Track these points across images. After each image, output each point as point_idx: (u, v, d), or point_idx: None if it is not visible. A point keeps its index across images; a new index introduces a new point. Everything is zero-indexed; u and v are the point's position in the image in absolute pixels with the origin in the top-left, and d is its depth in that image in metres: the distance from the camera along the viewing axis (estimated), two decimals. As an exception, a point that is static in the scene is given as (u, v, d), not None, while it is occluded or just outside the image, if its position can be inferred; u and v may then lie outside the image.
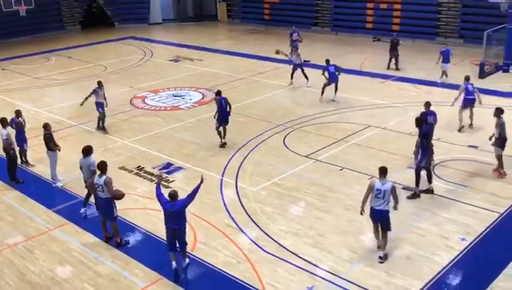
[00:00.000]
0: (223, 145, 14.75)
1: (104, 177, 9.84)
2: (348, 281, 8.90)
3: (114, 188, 9.95)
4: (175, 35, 34.84)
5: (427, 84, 20.21)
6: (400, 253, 9.62)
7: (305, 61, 24.85)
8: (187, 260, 9.45)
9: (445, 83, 19.60)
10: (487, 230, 10.25)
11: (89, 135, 16.21)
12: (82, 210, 11.32)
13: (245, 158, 14.05)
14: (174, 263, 9.13)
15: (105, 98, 16.27)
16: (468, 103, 15.28)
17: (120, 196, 10.03)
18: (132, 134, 16.21)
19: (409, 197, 11.51)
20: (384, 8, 29.99)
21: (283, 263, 9.43)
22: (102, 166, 9.95)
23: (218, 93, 14.85)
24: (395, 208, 9.32)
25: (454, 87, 18.72)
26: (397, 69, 22.39)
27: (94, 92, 16.05)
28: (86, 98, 16.13)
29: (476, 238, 9.99)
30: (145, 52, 28.86)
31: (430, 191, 11.65)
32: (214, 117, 14.76)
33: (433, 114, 13.07)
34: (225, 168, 13.51)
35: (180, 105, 19.14)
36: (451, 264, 9.24)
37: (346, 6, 31.81)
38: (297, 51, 24.86)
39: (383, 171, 9.13)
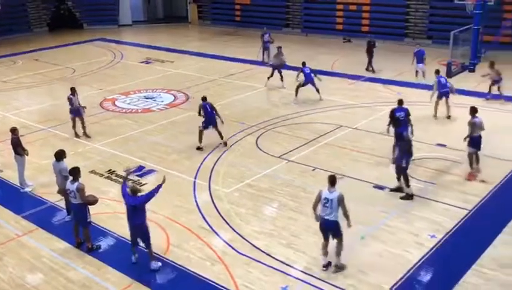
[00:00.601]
0: (224, 144, 14.82)
1: (76, 183, 9.71)
2: (322, 280, 8.96)
3: (86, 194, 9.81)
4: (145, 36, 34.51)
5: (396, 85, 20.54)
6: (372, 251, 9.74)
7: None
8: (158, 264, 9.38)
9: (421, 83, 19.94)
10: (456, 227, 10.47)
11: (58, 139, 15.90)
12: (67, 218, 11.11)
13: (218, 160, 14.02)
14: (133, 258, 9.43)
15: (79, 104, 15.80)
16: (443, 94, 16.18)
17: (93, 202, 9.93)
18: (103, 137, 15.98)
19: (402, 198, 11.55)
20: (354, 10, 30.37)
21: (257, 264, 9.44)
22: (74, 172, 9.81)
23: (204, 99, 14.86)
24: (346, 218, 8.84)
25: (428, 87, 19.16)
26: (368, 70, 22.65)
27: (69, 100, 15.55)
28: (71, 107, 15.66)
29: (446, 235, 10.20)
30: (115, 54, 28.51)
31: (399, 189, 11.81)
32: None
33: (404, 110, 13.31)
34: (198, 170, 13.45)
35: (151, 107, 18.97)
36: (422, 261, 9.41)
37: (317, 8, 32.07)
38: (269, 52, 25.09)
39: (331, 181, 8.77)
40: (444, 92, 16.24)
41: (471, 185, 12.10)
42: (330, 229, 8.91)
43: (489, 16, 24.06)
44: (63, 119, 16.40)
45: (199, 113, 14.80)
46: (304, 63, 18.88)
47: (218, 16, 37.11)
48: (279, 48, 21.12)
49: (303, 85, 18.49)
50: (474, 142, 12.36)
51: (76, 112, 15.71)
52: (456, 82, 20.22)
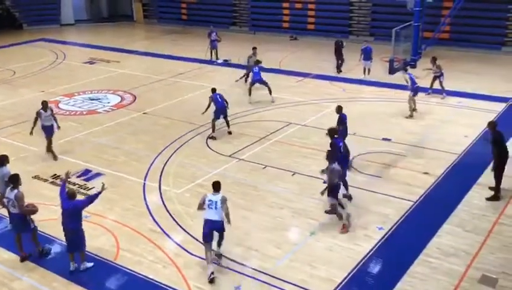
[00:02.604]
0: (230, 132, 15.41)
1: (15, 191, 9.29)
2: (275, 277, 9.02)
3: (26, 203, 9.38)
4: (89, 36, 33.58)
5: (342, 81, 20.95)
6: (323, 245, 9.90)
7: (224, 60, 25.04)
8: (88, 264, 9.27)
9: (368, 80, 20.39)
10: (402, 218, 10.81)
11: (-2, 143, 15.24)
12: (9, 226, 10.56)
13: (168, 160, 13.84)
14: (71, 265, 9.20)
15: (55, 120, 14.14)
16: (417, 90, 16.65)
17: (31, 212, 9.46)
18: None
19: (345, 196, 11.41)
20: (300, 8, 30.76)
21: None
22: (14, 179, 9.40)
23: (213, 90, 15.57)
24: (227, 219, 9.13)
25: (374, 84, 19.67)
26: (340, 71, 22.25)
27: (38, 114, 13.86)
28: (33, 126, 13.89)
29: (393, 226, 10.51)
30: (57, 55, 27.58)
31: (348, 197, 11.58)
32: (202, 114, 15.49)
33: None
34: (147, 171, 13.23)
35: (97, 109, 18.48)
36: (371, 253, 9.66)
37: (263, 6, 32.25)
38: (216, 50, 25.01)
39: (215, 186, 9.21)
40: (416, 87, 16.64)
41: (415, 178, 12.50)
42: (215, 228, 9.09)
43: (429, 13, 25.01)
44: (2, 124, 15.68)
45: (208, 106, 15.29)
46: (257, 61, 18.87)
47: (165, 14, 36.64)
48: (254, 48, 20.84)
49: (253, 84, 18.50)
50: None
51: (47, 129, 13.99)
52: (398, 78, 20.90)
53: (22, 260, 9.66)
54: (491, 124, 11.49)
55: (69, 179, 10.00)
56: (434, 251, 9.62)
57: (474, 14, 25.24)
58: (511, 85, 19.80)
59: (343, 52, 22.19)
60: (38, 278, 9.15)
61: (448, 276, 8.92)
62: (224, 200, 9.12)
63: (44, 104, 14.03)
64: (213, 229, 9.11)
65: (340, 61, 22.38)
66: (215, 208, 9.00)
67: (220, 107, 15.10)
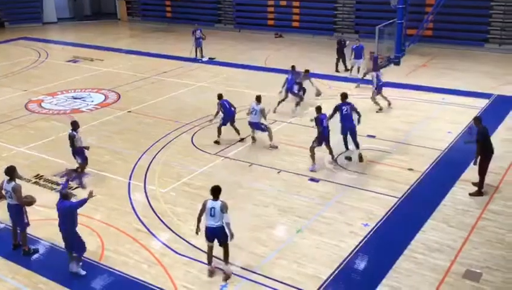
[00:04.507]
0: (241, 140, 14.77)
1: (12, 183, 9.43)
2: (261, 275, 9.03)
3: (24, 195, 9.54)
4: (72, 34, 33.23)
5: (327, 79, 21.00)
6: (309, 243, 9.93)
7: (209, 58, 24.97)
8: (81, 272, 9.09)
9: (354, 78, 20.46)
10: (388, 214, 10.89)
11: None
12: None
13: (153, 159, 13.76)
14: (70, 265, 9.15)
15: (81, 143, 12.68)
16: (381, 88, 17.02)
17: (29, 203, 9.65)
18: (29, 140, 15.24)
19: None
20: (284, 6, 30.78)
21: (196, 264, 9.37)
22: (10, 171, 9.54)
23: (220, 97, 14.71)
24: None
25: (360, 81, 19.73)
26: (347, 70, 21.85)
27: (72, 138, 12.49)
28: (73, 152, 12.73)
29: (378, 222, 10.58)
30: (40, 54, 27.24)
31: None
32: (211, 120, 15.23)
33: (349, 104, 13.46)
34: (132, 170, 13.14)
35: (81, 108, 18.30)
36: (356, 249, 9.71)
37: (248, 4, 32.20)
38: (201, 48, 24.92)
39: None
40: (382, 85, 17.00)
41: (399, 174, 12.60)
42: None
43: (412, 10, 25.19)
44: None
45: (217, 113, 14.71)
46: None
47: (149, 12, 36.40)
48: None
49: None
50: None
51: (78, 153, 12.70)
52: (382, 75, 21.07)
53: (14, 248, 9.90)
54: (477, 120, 11.59)
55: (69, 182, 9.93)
56: (419, 247, 9.70)
57: (457, 11, 25.49)
58: (494, 81, 20.07)
59: (344, 51, 21.90)
60: (23, 280, 9.05)
61: (433, 271, 9.01)
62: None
63: (76, 125, 12.57)
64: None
65: (341, 60, 22.08)
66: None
67: (229, 114, 14.57)
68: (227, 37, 30.25)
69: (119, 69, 23.73)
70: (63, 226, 8.97)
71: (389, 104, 17.21)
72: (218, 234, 8.82)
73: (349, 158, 13.41)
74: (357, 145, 13.35)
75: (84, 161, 12.72)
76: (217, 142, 14.67)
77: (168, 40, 30.34)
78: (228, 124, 14.71)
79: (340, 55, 22.21)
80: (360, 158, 13.25)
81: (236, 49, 27.28)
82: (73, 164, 13.40)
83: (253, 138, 14.73)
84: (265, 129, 14.30)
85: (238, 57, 25.21)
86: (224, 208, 8.69)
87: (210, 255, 9.05)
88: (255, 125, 14.36)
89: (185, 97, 19.29)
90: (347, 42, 22.33)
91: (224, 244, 8.94)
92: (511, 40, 24.82)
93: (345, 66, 22.20)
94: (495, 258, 9.31)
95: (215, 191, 8.82)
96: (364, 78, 19.62)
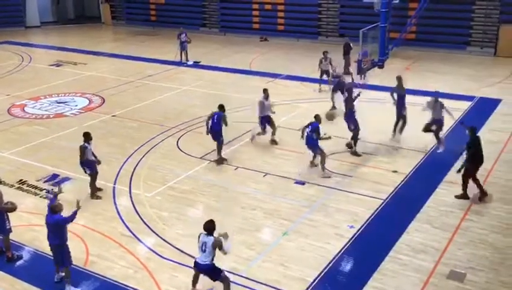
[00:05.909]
0: (218, 161, 13.62)
1: None
2: (248, 278, 9.03)
3: (5, 201, 9.43)
4: (55, 38, 32.93)
5: (312, 82, 21.07)
6: (295, 245, 9.95)
7: (195, 62, 24.94)
8: (72, 288, 8.84)
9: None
10: (373, 216, 10.96)
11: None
12: None
13: (138, 164, 13.68)
14: (56, 276, 9.01)
15: (94, 156, 11.99)
16: (338, 86, 17.06)
17: (10, 209, 9.49)
18: (11, 145, 15.06)
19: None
20: (269, 9, 30.88)
21: (182, 268, 9.32)
22: None
23: (219, 107, 13.66)
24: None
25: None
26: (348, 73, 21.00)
27: (83, 149, 11.82)
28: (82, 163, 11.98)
29: (363, 224, 10.65)
30: (23, 58, 26.95)
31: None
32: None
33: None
34: (117, 175, 13.06)
35: (65, 112, 18.13)
36: (342, 251, 9.76)
37: (233, 8, 32.23)
38: (186, 52, 24.87)
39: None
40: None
41: (384, 177, 12.69)
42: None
43: (396, 14, 25.44)
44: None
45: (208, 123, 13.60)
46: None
47: (133, 15, 36.22)
48: (325, 52, 18.97)
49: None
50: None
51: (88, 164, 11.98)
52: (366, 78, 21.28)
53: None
54: (472, 129, 11.45)
55: (62, 193, 9.66)
56: (403, 248, 9.78)
57: (439, 14, 25.78)
58: (476, 84, 20.34)
59: (350, 55, 21.42)
60: (7, 287, 8.94)
61: (417, 272, 9.09)
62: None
63: (88, 136, 11.94)
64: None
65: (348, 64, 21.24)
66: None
67: (210, 127, 13.40)
68: (212, 41, 30.24)
69: (103, 73, 23.58)
70: (54, 241, 8.70)
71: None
72: (207, 272, 8.30)
73: (349, 145, 14.11)
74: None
75: (94, 171, 11.95)
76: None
77: (152, 43, 30.23)
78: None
79: (347, 58, 21.43)
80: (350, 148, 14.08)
81: (221, 52, 27.27)
82: (56, 168, 13.29)
83: (253, 138, 14.88)
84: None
85: (223, 61, 25.22)
86: (216, 245, 8.10)
87: (195, 280, 8.60)
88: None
89: (169, 101, 19.22)
90: (352, 45, 21.73)
91: (219, 280, 8.33)
92: (492, 43, 25.19)
93: (347, 70, 21.02)
94: (479, 259, 9.42)
95: (207, 226, 8.23)
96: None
